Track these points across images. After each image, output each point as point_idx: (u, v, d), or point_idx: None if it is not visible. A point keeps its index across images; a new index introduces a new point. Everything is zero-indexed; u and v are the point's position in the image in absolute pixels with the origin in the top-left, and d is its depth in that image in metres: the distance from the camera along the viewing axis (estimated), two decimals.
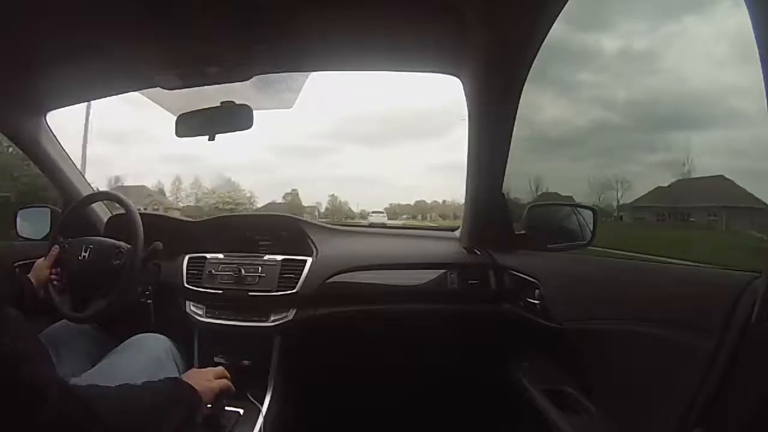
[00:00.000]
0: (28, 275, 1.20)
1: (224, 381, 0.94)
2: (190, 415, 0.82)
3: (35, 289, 1.17)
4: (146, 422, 0.72)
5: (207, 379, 0.91)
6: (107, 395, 0.70)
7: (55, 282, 1.23)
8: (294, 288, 1.37)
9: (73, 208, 1.41)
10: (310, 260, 1.42)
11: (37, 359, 0.62)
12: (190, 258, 1.48)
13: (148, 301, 1.35)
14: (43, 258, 1.25)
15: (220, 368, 0.96)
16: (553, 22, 0.97)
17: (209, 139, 1.32)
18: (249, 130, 1.29)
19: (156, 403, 0.75)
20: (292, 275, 1.39)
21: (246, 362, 1.34)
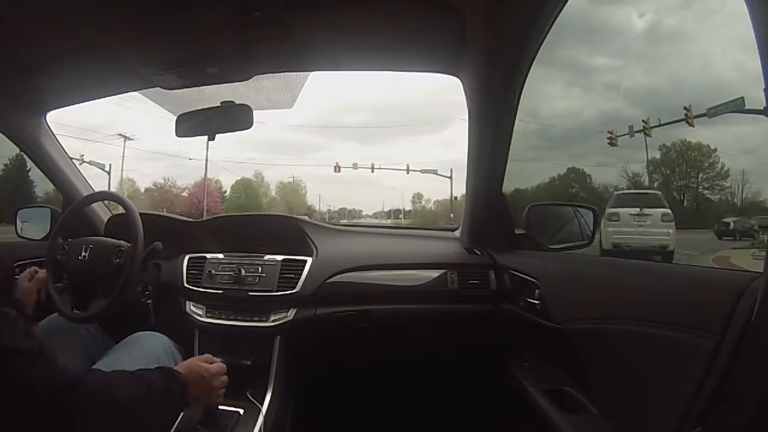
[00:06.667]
0: (16, 296, 1.15)
1: (223, 379, 0.94)
2: (175, 406, 0.82)
3: (24, 306, 1.12)
4: (130, 409, 0.72)
5: (207, 379, 0.89)
6: (97, 381, 0.72)
7: (57, 285, 1.23)
8: (294, 288, 1.37)
9: (73, 208, 1.41)
10: (310, 260, 1.42)
11: (31, 357, 0.65)
12: (190, 258, 1.47)
13: (148, 301, 1.35)
14: (27, 274, 1.21)
15: (220, 365, 0.95)
16: (554, 22, 0.97)
17: (209, 139, 1.32)
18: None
19: (140, 392, 0.74)
20: (293, 275, 1.39)
21: (246, 362, 1.34)
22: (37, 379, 0.63)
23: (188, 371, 0.86)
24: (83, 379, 0.69)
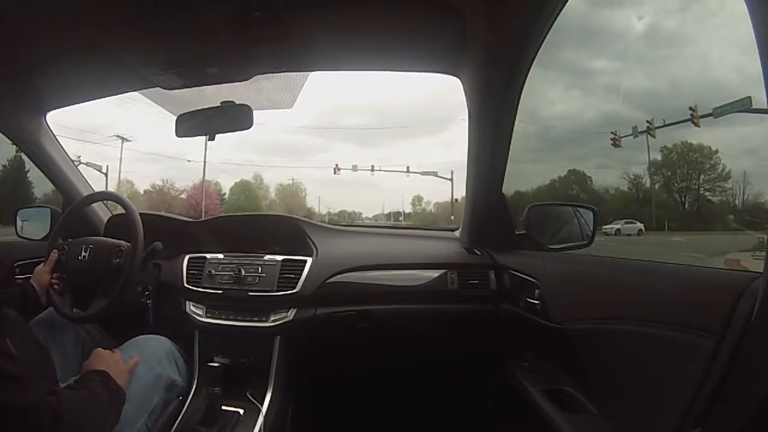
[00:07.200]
0: (31, 281, 1.20)
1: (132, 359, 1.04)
2: (117, 398, 0.91)
3: (38, 295, 1.17)
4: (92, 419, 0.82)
5: (118, 364, 0.99)
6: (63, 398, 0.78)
7: (55, 286, 1.23)
8: (294, 288, 1.37)
9: (73, 208, 1.41)
10: (310, 260, 1.42)
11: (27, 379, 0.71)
12: (190, 258, 1.47)
13: (148, 301, 1.35)
14: (42, 264, 1.24)
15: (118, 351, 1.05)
16: (554, 22, 0.97)
17: (209, 139, 1.32)
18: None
19: (95, 402, 0.84)
20: (292, 275, 1.39)
21: (246, 362, 1.34)
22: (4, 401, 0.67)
23: (105, 365, 0.95)
24: (47, 403, 0.74)
